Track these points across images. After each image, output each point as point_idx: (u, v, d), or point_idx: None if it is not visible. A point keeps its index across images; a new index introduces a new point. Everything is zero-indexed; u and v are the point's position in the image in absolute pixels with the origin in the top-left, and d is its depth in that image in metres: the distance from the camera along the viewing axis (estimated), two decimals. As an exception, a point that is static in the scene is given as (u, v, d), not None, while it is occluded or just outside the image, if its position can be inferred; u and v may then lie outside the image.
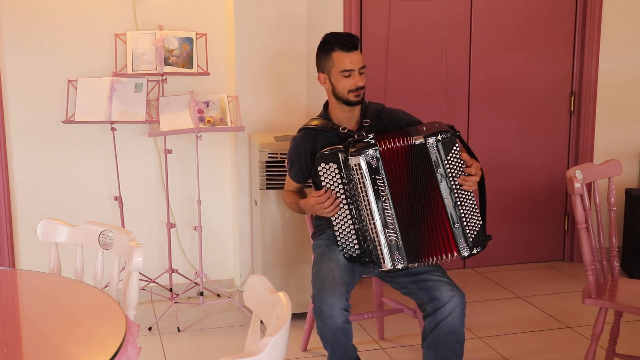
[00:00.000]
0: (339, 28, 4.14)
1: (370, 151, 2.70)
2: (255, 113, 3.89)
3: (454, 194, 2.75)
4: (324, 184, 2.79)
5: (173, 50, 3.77)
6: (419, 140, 2.72)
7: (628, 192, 4.55)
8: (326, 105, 3.01)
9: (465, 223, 2.77)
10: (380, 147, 2.71)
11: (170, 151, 3.87)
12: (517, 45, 4.53)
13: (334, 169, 2.76)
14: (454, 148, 2.75)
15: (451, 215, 2.76)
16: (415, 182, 2.76)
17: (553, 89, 4.63)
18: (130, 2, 3.85)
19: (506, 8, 4.47)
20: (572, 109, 4.68)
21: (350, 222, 2.79)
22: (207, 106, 3.75)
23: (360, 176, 2.71)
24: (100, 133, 3.90)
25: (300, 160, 3.01)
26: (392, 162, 2.74)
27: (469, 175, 2.76)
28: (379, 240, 2.75)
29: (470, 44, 4.45)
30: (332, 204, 2.78)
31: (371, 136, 2.74)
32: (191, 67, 3.79)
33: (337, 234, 2.82)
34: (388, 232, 2.74)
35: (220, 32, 3.99)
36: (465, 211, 2.77)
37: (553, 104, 4.65)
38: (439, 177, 2.74)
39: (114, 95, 3.74)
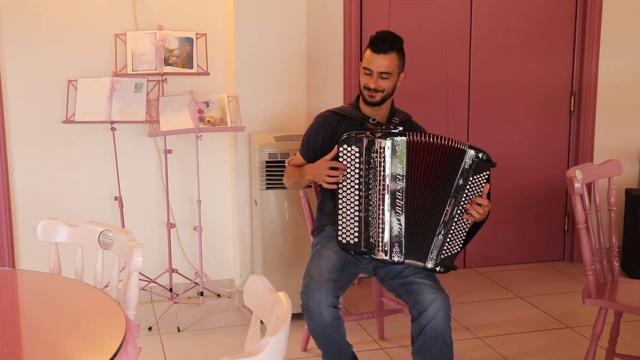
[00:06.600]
0: (339, 28, 4.15)
1: (398, 138, 2.73)
2: (255, 113, 3.89)
3: (457, 209, 2.76)
4: (339, 163, 2.80)
5: (173, 50, 3.77)
6: (461, 146, 2.74)
7: (628, 192, 4.55)
8: (359, 96, 3.07)
9: (448, 240, 2.78)
10: (408, 137, 2.73)
11: (170, 151, 3.87)
12: (517, 46, 4.53)
13: (355, 152, 2.77)
14: (484, 173, 2.76)
15: (441, 226, 2.77)
16: (434, 182, 2.76)
17: (553, 89, 4.63)
18: (130, 2, 3.85)
19: (506, 8, 4.47)
20: (572, 109, 4.68)
21: (357, 208, 2.79)
22: (207, 106, 3.75)
23: (382, 160, 2.72)
24: (100, 133, 3.90)
25: (316, 139, 3.04)
26: (418, 157, 2.74)
27: (478, 204, 2.76)
28: (382, 228, 2.75)
29: (470, 44, 4.45)
30: (338, 176, 2.78)
31: (400, 128, 2.80)
32: (191, 67, 3.79)
33: (339, 217, 2.82)
34: (394, 222, 2.75)
35: (220, 32, 3.99)
36: (455, 231, 2.78)
37: (553, 104, 4.65)
38: (455, 187, 2.75)
39: (114, 95, 3.74)
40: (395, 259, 2.78)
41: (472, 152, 2.74)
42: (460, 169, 2.74)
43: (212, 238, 4.16)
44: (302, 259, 3.71)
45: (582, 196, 2.75)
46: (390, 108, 3.06)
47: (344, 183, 2.80)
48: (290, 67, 3.92)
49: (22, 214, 3.89)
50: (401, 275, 2.83)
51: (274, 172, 3.64)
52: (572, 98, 4.67)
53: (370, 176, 2.76)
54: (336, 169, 2.80)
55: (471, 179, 2.75)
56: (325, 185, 2.83)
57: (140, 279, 2.88)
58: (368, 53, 2.93)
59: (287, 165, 3.24)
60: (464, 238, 2.81)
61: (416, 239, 2.79)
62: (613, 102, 4.65)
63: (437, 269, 2.79)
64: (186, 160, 4.04)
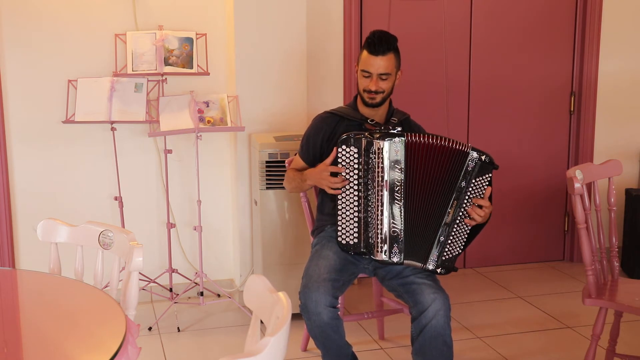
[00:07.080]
0: (339, 28, 4.15)
1: (397, 139, 2.73)
2: (255, 113, 3.89)
3: (459, 211, 2.75)
4: (340, 167, 2.80)
5: (173, 50, 3.77)
6: (463, 148, 2.73)
7: (628, 192, 4.55)
8: (356, 97, 3.05)
9: (449, 241, 2.78)
10: (406, 138, 2.73)
11: (170, 151, 3.87)
12: (517, 46, 4.53)
13: (354, 153, 2.76)
14: (486, 175, 2.76)
15: (443, 227, 2.77)
16: (434, 184, 2.76)
17: (553, 89, 4.63)
18: (130, 2, 3.85)
19: (506, 8, 4.47)
20: (572, 109, 4.68)
21: (356, 209, 2.79)
22: (207, 106, 3.76)
23: (380, 161, 2.72)
24: (100, 133, 3.90)
25: (316, 140, 3.03)
26: (417, 158, 2.74)
27: (480, 206, 2.75)
28: (381, 229, 2.75)
29: (470, 44, 4.45)
30: (339, 181, 2.78)
31: (399, 128, 2.79)
32: (191, 67, 3.79)
33: (339, 217, 2.82)
34: (393, 223, 2.75)
35: (220, 32, 3.99)
36: (456, 233, 2.78)
37: (553, 104, 4.65)
38: (457, 189, 2.74)
39: (114, 95, 3.74)
40: (395, 259, 2.78)
41: (474, 154, 2.73)
42: (463, 171, 2.73)
43: (212, 238, 4.16)
44: (302, 259, 3.71)
45: (582, 196, 2.75)
46: (389, 108, 3.05)
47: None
48: (290, 67, 3.92)
49: (22, 214, 3.89)
50: (401, 275, 2.83)
51: (274, 172, 3.64)
52: (572, 98, 4.66)
53: (369, 177, 2.76)
54: (337, 174, 2.79)
55: (474, 181, 2.74)
56: (329, 191, 2.83)
57: (140, 279, 2.88)
58: (365, 55, 2.90)
59: (286, 166, 3.24)
60: (465, 240, 2.80)
61: (416, 239, 2.79)
62: (613, 102, 4.65)
63: (438, 270, 2.79)
64: (186, 160, 4.04)
